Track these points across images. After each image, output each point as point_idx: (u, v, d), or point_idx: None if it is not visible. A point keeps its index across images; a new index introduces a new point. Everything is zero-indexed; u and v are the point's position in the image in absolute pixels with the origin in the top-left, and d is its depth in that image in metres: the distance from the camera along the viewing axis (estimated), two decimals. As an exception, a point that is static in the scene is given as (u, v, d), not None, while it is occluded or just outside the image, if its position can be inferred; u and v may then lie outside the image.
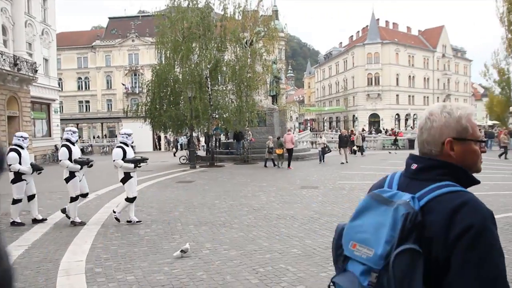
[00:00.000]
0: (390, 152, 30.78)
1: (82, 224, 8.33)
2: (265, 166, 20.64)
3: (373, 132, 51.79)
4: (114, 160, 8.42)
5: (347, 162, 21.67)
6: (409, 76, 76.39)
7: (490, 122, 58.17)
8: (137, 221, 8.43)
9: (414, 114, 75.83)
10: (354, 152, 28.17)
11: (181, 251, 6.11)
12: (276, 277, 5.16)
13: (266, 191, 12.61)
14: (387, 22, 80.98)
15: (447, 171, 1.37)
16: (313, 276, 5.20)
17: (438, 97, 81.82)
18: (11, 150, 8.48)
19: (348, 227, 1.42)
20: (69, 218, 8.44)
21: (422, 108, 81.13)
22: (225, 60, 23.78)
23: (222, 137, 29.79)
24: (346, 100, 79.09)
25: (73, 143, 8.57)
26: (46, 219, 8.69)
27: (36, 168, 8.72)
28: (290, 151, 20.36)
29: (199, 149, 33.86)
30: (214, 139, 25.72)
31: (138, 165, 8.49)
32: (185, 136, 30.66)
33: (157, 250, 6.46)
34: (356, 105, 75.42)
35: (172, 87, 23.04)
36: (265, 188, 13.25)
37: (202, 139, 33.87)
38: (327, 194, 11.93)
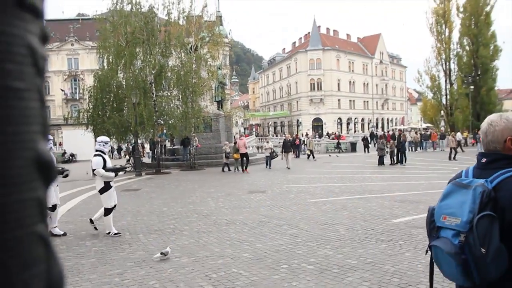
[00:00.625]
0: (330, 155, 31.71)
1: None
2: (223, 170, 21.06)
3: (317, 136, 53.09)
4: (94, 169, 8.00)
5: (289, 168, 21.64)
6: (350, 82, 79.12)
7: (424, 125, 61.51)
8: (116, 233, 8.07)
9: (355, 118, 78.62)
10: (308, 156, 28.74)
11: (161, 253, 6.16)
12: (230, 282, 5.22)
13: (214, 197, 12.63)
14: (328, 29, 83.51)
15: (510, 161, 1.90)
16: (266, 279, 5.31)
17: (377, 102, 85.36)
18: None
19: (438, 206, 2.01)
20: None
21: (363, 112, 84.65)
22: (170, 66, 23.52)
23: (168, 144, 29.39)
24: (290, 105, 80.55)
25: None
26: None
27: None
28: (244, 155, 20.75)
29: (144, 156, 33.20)
30: (159, 145, 25.32)
31: (117, 174, 8.29)
32: (129, 143, 29.96)
33: (106, 261, 6.31)
34: (300, 110, 77.00)
35: (116, 93, 22.46)
36: (213, 194, 13.26)
37: (147, 146, 33.25)
38: (275, 198, 12.13)
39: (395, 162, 22.49)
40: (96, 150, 8.23)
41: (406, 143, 26.67)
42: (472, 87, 43.53)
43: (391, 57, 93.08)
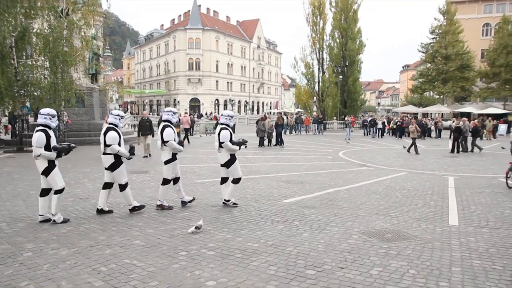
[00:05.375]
0: (200, 136, 32.00)
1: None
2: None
3: (196, 116, 52.62)
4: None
5: (149, 155, 16.74)
6: (228, 64, 79.80)
7: (296, 110, 64.88)
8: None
9: (232, 100, 79.70)
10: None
11: (196, 227, 6.20)
12: (123, 275, 4.53)
13: (91, 178, 11.42)
14: (208, 9, 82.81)
15: None
16: (165, 269, 4.74)
17: (253, 85, 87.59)
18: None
19: None
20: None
21: (239, 95, 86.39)
22: (36, 30, 20.64)
23: (31, 118, 26.16)
24: (167, 83, 78.47)
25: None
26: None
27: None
28: (187, 130, 24.50)
29: (1, 132, 29.25)
30: (21, 120, 22.31)
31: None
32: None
33: (-41, 257, 5.08)
34: (178, 89, 75.60)
35: (-37, 56, 18.92)
36: (90, 175, 12.00)
37: (6, 120, 29.33)
38: (159, 179, 11.25)
39: (275, 143, 23.10)
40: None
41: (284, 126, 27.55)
42: (341, 76, 47.01)
43: (268, 42, 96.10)
